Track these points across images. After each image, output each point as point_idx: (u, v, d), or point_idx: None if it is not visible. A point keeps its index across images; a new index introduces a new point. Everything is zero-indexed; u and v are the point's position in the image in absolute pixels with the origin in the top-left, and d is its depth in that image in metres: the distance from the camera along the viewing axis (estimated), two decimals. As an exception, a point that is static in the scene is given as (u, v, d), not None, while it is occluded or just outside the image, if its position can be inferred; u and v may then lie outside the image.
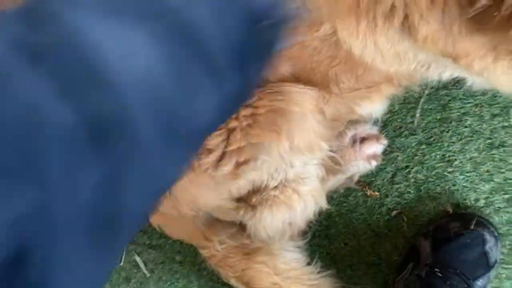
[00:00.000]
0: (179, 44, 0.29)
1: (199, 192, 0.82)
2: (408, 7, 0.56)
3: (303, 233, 1.03)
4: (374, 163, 0.98)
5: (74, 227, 0.24)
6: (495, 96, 0.90)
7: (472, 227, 0.92)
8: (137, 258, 1.27)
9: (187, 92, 0.29)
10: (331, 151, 0.90)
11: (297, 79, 0.67)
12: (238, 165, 0.74)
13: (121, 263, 1.29)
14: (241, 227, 0.97)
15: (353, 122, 0.98)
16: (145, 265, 1.27)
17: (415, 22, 0.55)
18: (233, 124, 0.66)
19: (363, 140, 0.97)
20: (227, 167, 0.73)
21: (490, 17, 0.50)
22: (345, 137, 0.97)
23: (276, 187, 0.84)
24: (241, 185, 0.83)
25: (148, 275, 1.26)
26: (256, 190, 0.86)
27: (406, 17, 0.58)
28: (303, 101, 0.67)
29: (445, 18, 0.54)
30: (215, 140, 0.68)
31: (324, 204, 0.92)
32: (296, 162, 0.79)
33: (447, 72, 0.79)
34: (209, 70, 0.30)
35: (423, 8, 0.55)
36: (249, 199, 0.88)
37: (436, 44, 0.59)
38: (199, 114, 0.30)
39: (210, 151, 0.69)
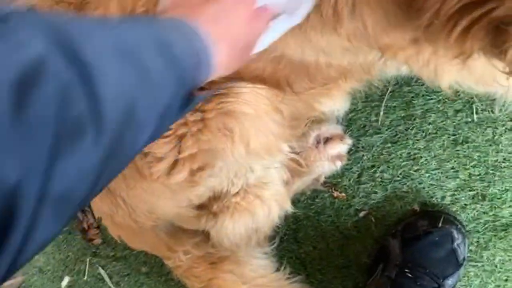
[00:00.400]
0: None
1: (155, 201, 0.77)
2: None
3: (271, 238, 0.99)
4: (339, 164, 0.95)
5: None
6: (458, 92, 0.88)
7: (440, 224, 0.90)
8: (102, 271, 1.22)
9: None
10: (293, 152, 0.87)
11: (243, 78, 0.64)
12: (193, 172, 0.70)
13: (85, 277, 1.23)
14: (206, 235, 0.93)
15: (317, 122, 0.95)
16: (110, 278, 1.21)
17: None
18: (182, 130, 0.62)
19: (327, 140, 0.95)
20: (181, 174, 0.69)
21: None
22: (308, 137, 0.94)
23: (237, 193, 0.81)
24: (201, 192, 0.80)
25: (113, 288, 1.21)
26: (217, 197, 0.82)
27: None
28: (255, 100, 0.64)
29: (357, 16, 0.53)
30: (163, 148, 0.63)
31: (289, 208, 0.89)
32: (256, 166, 0.76)
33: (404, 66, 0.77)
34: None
35: None
36: (210, 206, 0.84)
37: (358, 40, 0.57)
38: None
39: (159, 159, 0.65)
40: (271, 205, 0.85)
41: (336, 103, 0.88)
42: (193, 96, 0.46)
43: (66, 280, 1.24)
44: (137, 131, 0.38)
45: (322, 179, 0.98)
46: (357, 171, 0.97)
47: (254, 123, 0.65)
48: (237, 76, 0.62)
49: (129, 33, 0.40)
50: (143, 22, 0.44)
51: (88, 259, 1.22)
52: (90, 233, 1.20)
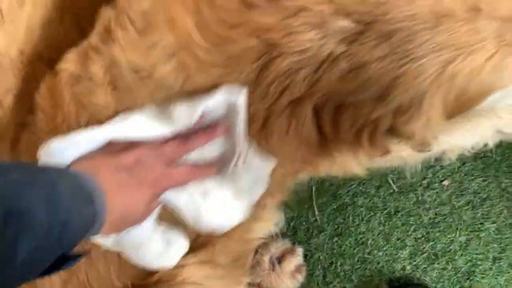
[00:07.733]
0: None
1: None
2: None
3: None
4: (300, 277, 0.97)
5: None
6: (369, 171, 0.94)
7: (413, 294, 0.92)
8: None
9: None
10: (254, 286, 0.89)
11: None
12: None
13: None
14: None
15: (265, 245, 0.98)
16: None
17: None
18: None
19: (280, 259, 0.98)
20: None
21: None
22: (263, 264, 0.96)
23: None
24: None
25: None
26: None
27: None
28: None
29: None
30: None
31: None
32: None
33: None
34: None
35: None
36: None
37: None
38: None
39: None
40: None
41: (271, 223, 0.92)
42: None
43: None
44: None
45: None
46: (320, 273, 1.00)
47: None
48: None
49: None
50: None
51: None
52: None
